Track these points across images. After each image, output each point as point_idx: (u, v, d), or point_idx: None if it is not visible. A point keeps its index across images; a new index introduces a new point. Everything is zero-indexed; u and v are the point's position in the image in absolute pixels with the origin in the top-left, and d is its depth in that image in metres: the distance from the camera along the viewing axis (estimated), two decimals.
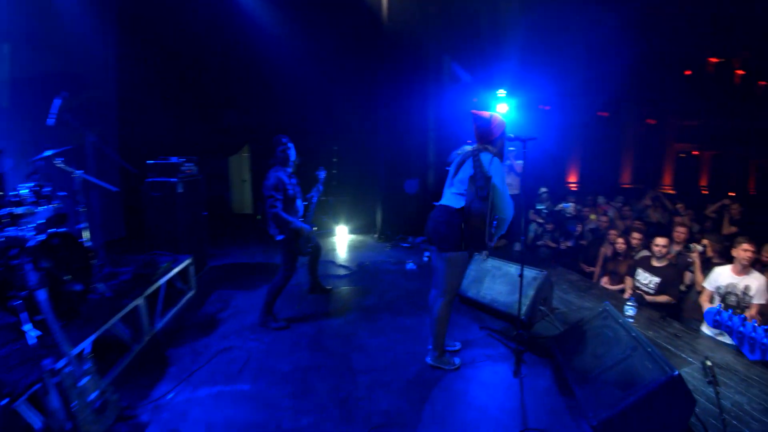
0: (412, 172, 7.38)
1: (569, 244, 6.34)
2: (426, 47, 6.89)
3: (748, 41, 10.13)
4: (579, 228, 6.28)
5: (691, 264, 4.50)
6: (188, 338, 3.58)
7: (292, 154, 3.87)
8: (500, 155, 2.91)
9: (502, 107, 7.02)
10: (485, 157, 2.82)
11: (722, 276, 3.90)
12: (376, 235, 7.55)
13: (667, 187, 12.90)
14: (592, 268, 5.90)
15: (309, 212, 4.18)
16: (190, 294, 4.62)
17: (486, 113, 2.93)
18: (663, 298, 4.50)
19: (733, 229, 5.85)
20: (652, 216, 7.13)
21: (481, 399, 2.85)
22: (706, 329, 3.95)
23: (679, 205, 7.01)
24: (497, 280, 4.33)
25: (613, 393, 2.50)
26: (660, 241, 4.54)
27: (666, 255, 4.50)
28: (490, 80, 6.90)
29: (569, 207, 7.28)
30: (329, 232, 7.85)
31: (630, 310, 4.00)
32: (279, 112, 7.60)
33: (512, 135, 3.11)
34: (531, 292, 3.95)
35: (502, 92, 7.10)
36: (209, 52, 7.20)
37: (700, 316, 4.12)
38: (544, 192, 7.84)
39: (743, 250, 3.71)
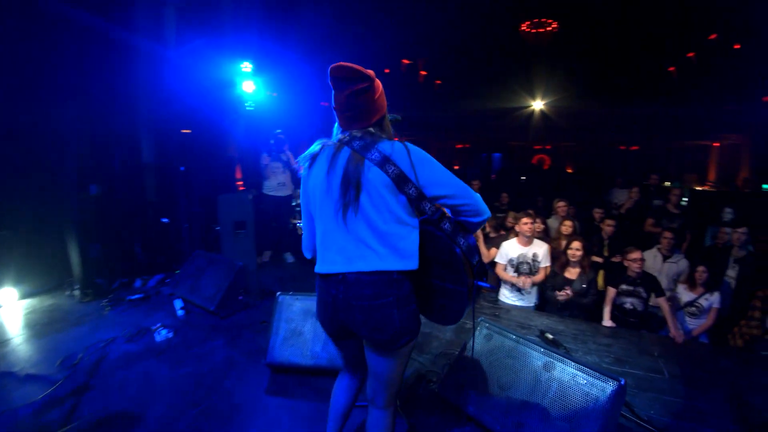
0: (120, 174, 5.03)
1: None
2: None
3: (428, 45, 12.41)
4: None
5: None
6: None
7: None
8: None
9: (247, 85, 5.68)
10: (392, 149, 1.60)
11: (511, 249, 4.23)
12: (76, 292, 4.45)
13: None
14: None
15: None
16: None
17: (357, 68, 1.58)
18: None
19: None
20: None
21: None
22: (504, 297, 4.34)
23: None
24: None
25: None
26: None
27: None
28: (233, 49, 5.38)
29: None
30: None
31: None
32: None
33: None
34: None
35: (247, 66, 5.71)
36: None
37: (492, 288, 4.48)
38: None
39: (524, 224, 4.07)
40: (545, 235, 4.73)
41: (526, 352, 2.42)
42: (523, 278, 4.08)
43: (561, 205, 5.47)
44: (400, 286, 1.60)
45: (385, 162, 1.55)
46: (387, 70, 12.54)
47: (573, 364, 2.25)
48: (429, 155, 1.63)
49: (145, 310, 4.09)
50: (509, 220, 5.20)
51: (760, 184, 9.91)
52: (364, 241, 1.58)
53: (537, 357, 2.37)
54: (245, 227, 4.58)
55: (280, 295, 3.14)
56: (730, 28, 9.15)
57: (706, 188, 11.89)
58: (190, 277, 4.23)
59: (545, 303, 4.34)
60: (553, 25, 11.88)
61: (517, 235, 4.23)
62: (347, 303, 1.61)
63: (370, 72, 1.61)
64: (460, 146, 20.33)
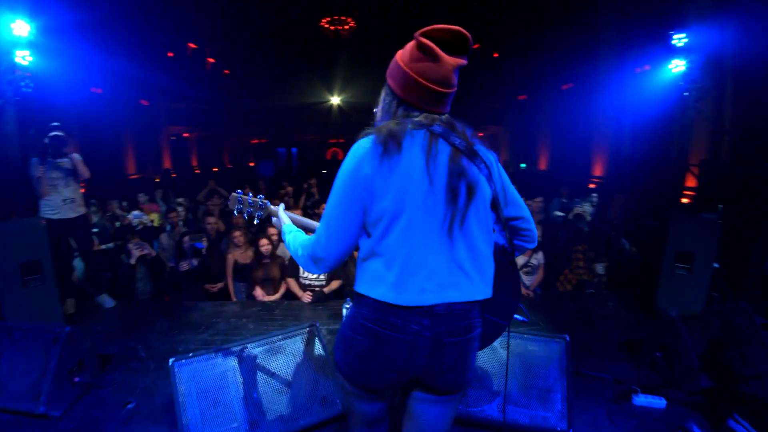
0: None
1: (186, 266, 4.56)
2: None
3: (218, 32, 11.04)
4: (205, 241, 4.65)
5: None
6: None
7: None
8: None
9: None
10: (491, 156, 1.32)
11: None
12: None
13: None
14: (219, 285, 4.69)
15: None
16: None
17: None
18: (336, 284, 4.46)
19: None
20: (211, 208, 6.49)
21: None
22: None
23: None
24: None
25: None
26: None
27: None
28: None
29: (143, 217, 5.28)
30: None
31: None
32: None
33: None
34: None
35: (22, 26, 3.85)
36: None
37: None
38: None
39: None
40: None
41: None
42: None
43: None
44: (479, 314, 1.33)
45: (490, 174, 1.28)
46: (170, 54, 10.62)
47: (521, 336, 2.54)
48: None
49: None
50: None
51: (518, 164, 13.13)
52: (460, 264, 1.25)
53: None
54: (40, 270, 3.11)
55: (175, 362, 2.19)
56: (492, 39, 11.49)
57: None
58: None
59: None
60: (351, 23, 12.40)
61: None
62: (436, 341, 1.25)
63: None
64: (255, 141, 19.27)
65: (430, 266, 1.23)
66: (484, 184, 1.26)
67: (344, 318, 1.42)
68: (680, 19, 4.89)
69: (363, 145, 1.25)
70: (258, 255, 4.59)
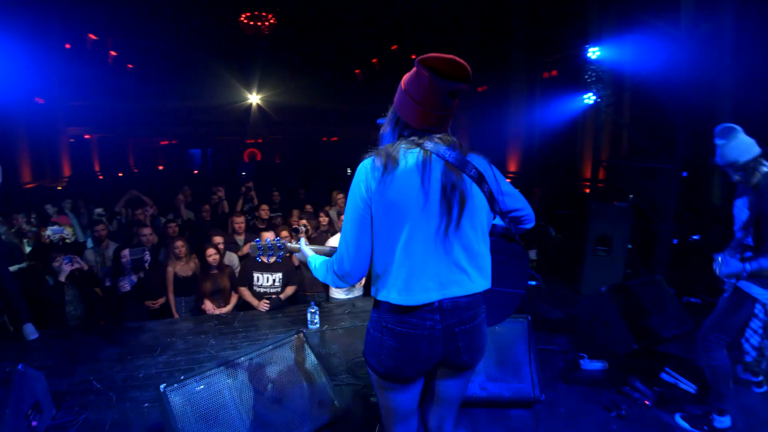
0: None
1: (127, 285, 4.15)
2: None
3: (122, 23, 9.93)
4: (147, 255, 4.23)
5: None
6: None
7: None
8: None
9: None
10: (483, 164, 1.49)
11: (336, 242, 4.30)
12: None
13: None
14: (161, 300, 4.36)
15: None
16: None
17: (469, 68, 1.37)
18: (291, 289, 4.45)
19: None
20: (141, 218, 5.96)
21: None
22: (335, 294, 4.48)
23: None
24: None
25: None
26: (267, 235, 4.25)
27: None
28: None
29: (63, 231, 4.67)
30: None
31: (316, 318, 3.77)
32: None
33: None
34: None
35: None
36: None
37: (321, 288, 4.52)
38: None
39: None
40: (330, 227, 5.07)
41: None
42: None
43: (341, 197, 5.98)
44: (482, 302, 1.54)
45: (481, 179, 1.44)
46: (68, 45, 9.35)
47: None
48: None
49: None
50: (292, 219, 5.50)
51: None
52: (458, 263, 1.44)
53: None
54: None
55: (167, 389, 2.03)
56: (408, 41, 11.90)
57: None
58: None
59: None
60: (271, 20, 11.96)
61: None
62: (448, 332, 1.46)
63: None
64: (165, 142, 17.73)
65: (432, 269, 1.41)
66: (476, 190, 1.43)
67: (369, 322, 1.54)
68: (588, 32, 5.62)
69: (365, 165, 1.43)
70: (205, 266, 4.35)
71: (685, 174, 4.32)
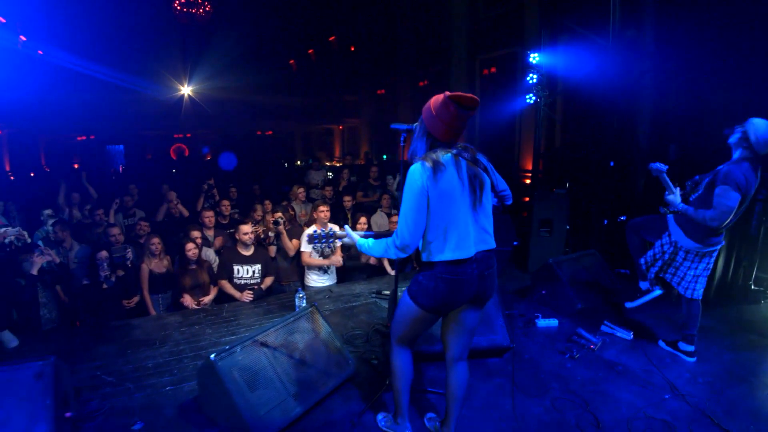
0: None
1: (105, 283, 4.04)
2: None
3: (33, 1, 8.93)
4: (129, 253, 4.12)
5: (275, 237, 4.72)
6: None
7: None
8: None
9: None
10: (485, 160, 2.18)
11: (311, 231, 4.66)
12: None
13: None
14: (135, 299, 4.35)
15: None
16: None
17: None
18: (270, 280, 4.69)
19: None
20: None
21: None
22: (312, 282, 4.77)
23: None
24: None
25: None
26: (246, 228, 4.44)
27: (252, 240, 4.53)
28: None
29: (17, 230, 4.37)
30: None
31: (304, 302, 3.97)
32: None
33: None
34: None
35: None
36: None
37: (296, 277, 4.84)
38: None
39: (321, 211, 4.62)
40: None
41: None
42: (336, 257, 4.65)
43: (301, 192, 6.42)
44: (494, 255, 2.21)
45: (486, 170, 2.13)
46: None
47: None
48: None
49: None
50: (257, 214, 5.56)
51: (380, 155, 14.09)
52: (484, 227, 2.10)
53: None
54: None
55: (216, 358, 2.28)
56: (349, 33, 12.08)
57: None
58: None
59: (345, 273, 5.07)
60: (207, 7, 11.45)
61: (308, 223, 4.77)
62: (482, 274, 2.08)
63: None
64: (83, 138, 16.17)
65: (471, 233, 2.04)
66: (486, 178, 2.12)
67: (419, 276, 2.09)
68: (524, 35, 6.30)
69: (419, 168, 1.97)
70: (184, 261, 4.39)
71: (612, 164, 5.22)
